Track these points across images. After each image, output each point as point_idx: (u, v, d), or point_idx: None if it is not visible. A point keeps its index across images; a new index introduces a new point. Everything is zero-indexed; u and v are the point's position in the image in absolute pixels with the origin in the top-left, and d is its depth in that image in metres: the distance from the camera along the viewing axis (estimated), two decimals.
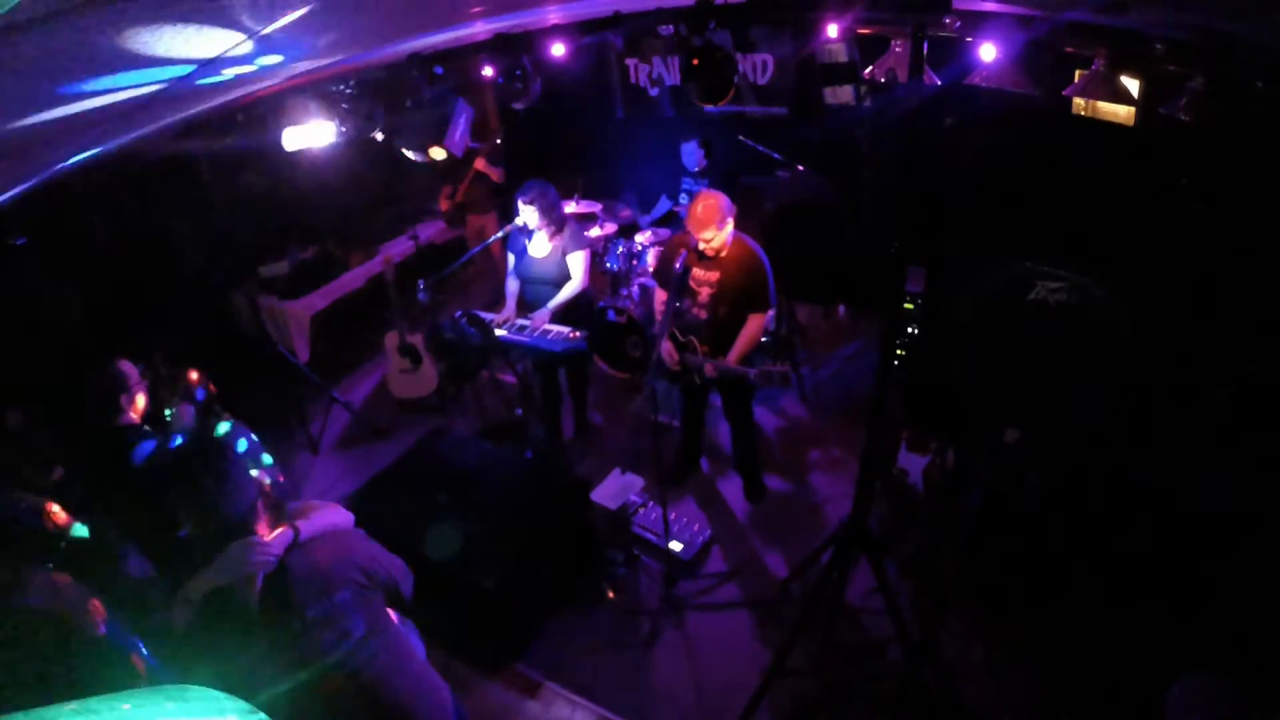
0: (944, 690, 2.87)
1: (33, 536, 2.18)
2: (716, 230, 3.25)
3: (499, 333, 3.89)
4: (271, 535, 1.67)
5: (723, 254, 3.35)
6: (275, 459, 3.03)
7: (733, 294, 3.37)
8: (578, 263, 3.89)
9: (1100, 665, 2.92)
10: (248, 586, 1.59)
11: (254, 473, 2.00)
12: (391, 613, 2.03)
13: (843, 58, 3.14)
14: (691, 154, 5.02)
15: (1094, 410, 2.04)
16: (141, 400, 2.73)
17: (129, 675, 2.06)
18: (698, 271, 3.42)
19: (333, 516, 1.91)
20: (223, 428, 2.91)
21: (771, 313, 4.82)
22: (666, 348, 3.47)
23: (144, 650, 2.15)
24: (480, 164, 5.41)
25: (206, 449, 1.69)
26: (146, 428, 2.72)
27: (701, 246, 3.31)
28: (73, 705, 0.68)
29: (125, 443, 2.60)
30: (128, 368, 2.72)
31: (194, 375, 2.89)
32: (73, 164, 2.72)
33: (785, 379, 3.21)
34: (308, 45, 2.31)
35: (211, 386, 2.94)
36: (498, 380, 4.56)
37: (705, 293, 3.43)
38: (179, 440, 2.64)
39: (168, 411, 2.81)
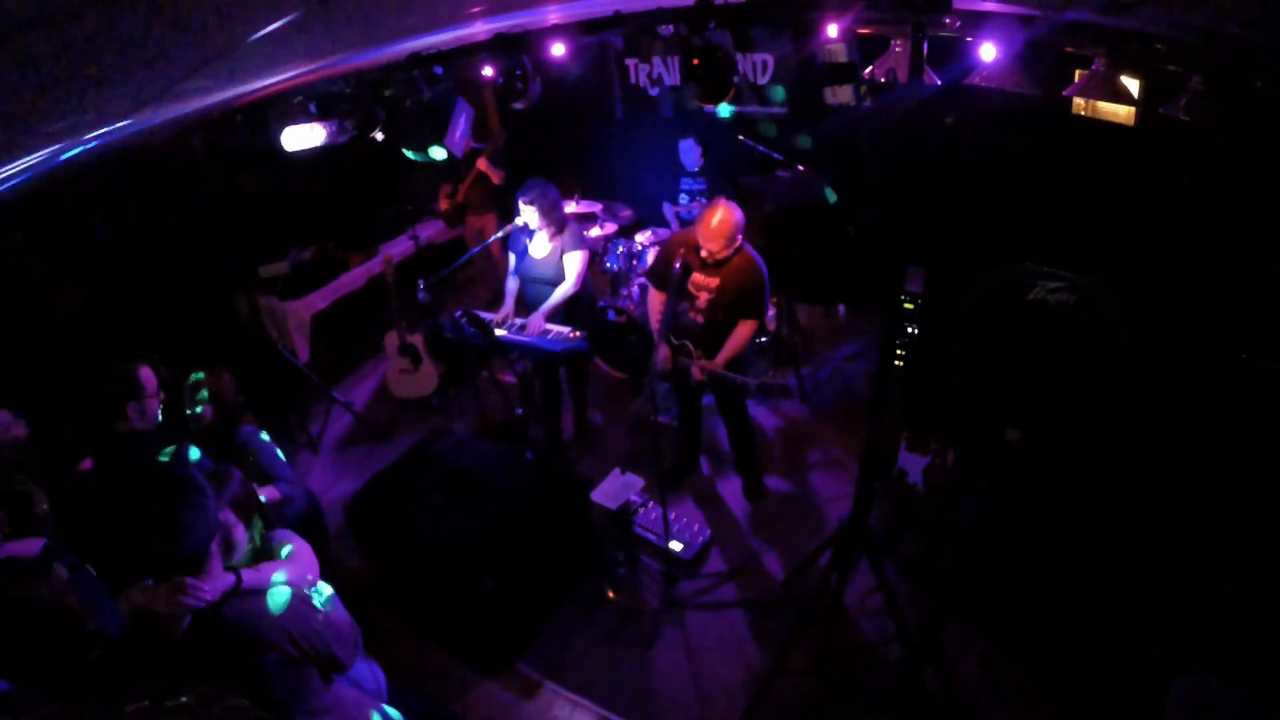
0: (944, 690, 2.87)
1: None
2: (726, 246, 3.25)
3: (499, 333, 3.89)
4: (210, 580, 1.63)
5: (725, 261, 3.35)
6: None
7: (730, 301, 3.38)
8: (573, 264, 3.89)
9: (1100, 665, 2.92)
10: (174, 623, 1.58)
11: (267, 485, 1.94)
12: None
13: (843, 58, 3.14)
14: (689, 151, 5.01)
15: (1094, 410, 2.04)
16: (150, 408, 2.69)
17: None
18: (698, 277, 3.42)
19: (290, 571, 1.86)
20: (244, 431, 2.87)
21: (771, 312, 4.81)
22: (663, 350, 3.47)
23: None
24: (482, 164, 5.40)
25: (174, 482, 1.62)
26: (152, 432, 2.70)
27: (705, 255, 3.31)
28: None
29: (124, 449, 2.59)
30: (147, 376, 2.67)
31: (227, 377, 2.84)
32: (72, 159, 2.72)
33: (786, 390, 3.21)
34: (307, 46, 2.31)
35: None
36: (498, 380, 4.55)
37: (704, 298, 3.43)
38: (169, 455, 2.60)
39: (198, 408, 2.77)
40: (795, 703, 2.92)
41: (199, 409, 2.73)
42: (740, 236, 3.30)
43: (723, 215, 3.22)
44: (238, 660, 1.63)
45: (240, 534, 1.88)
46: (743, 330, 3.41)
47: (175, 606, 1.58)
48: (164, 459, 2.47)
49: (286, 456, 2.96)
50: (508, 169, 5.50)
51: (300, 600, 1.75)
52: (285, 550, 1.96)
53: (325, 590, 1.89)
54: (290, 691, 1.69)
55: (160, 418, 2.73)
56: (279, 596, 1.73)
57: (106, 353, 2.73)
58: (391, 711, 2.00)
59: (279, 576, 1.82)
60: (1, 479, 2.41)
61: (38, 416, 2.72)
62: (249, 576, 1.72)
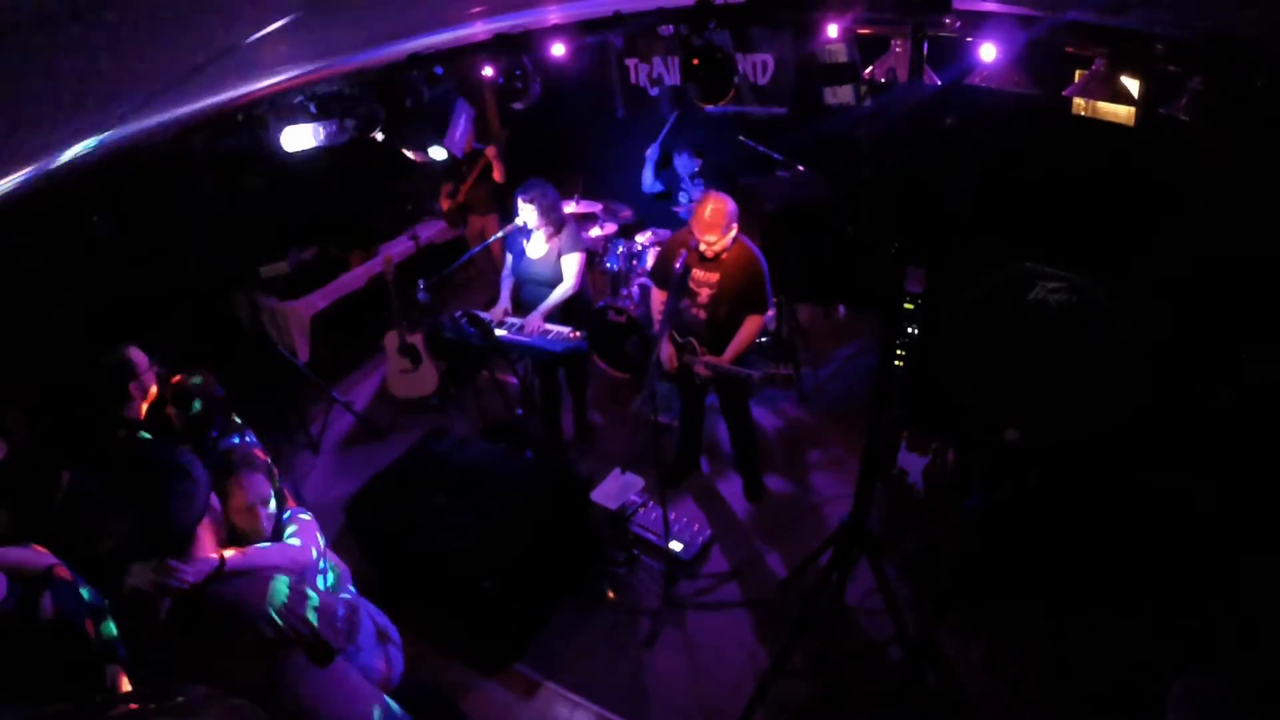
0: (944, 690, 2.87)
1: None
2: (721, 235, 3.26)
3: (499, 333, 3.89)
4: (194, 563, 1.65)
5: (723, 256, 3.36)
6: (274, 460, 2.99)
7: (732, 295, 3.38)
8: (571, 265, 3.90)
9: (1100, 665, 2.92)
10: (155, 604, 1.61)
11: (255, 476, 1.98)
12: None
13: (843, 58, 3.14)
14: (686, 165, 5.03)
15: (1094, 410, 2.04)
16: (153, 389, 2.70)
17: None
18: (698, 273, 3.43)
19: (276, 556, 1.86)
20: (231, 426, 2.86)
21: (771, 313, 4.82)
22: (666, 350, 3.47)
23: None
24: (491, 151, 5.38)
25: (161, 465, 1.66)
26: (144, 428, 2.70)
27: (703, 248, 3.32)
28: None
29: (134, 434, 2.59)
30: (137, 355, 2.69)
31: (209, 376, 2.82)
32: (71, 159, 2.72)
33: (789, 381, 3.20)
34: (307, 46, 2.31)
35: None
36: (498, 380, 4.55)
37: (705, 293, 3.43)
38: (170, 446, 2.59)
39: (194, 406, 2.74)
40: (795, 703, 2.92)
41: (195, 407, 2.70)
42: (735, 226, 3.31)
43: (714, 205, 3.24)
44: (220, 641, 1.64)
45: (272, 508, 1.98)
46: (750, 325, 3.41)
47: (155, 587, 1.60)
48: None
49: (287, 456, 2.95)
50: (508, 169, 5.50)
51: (285, 585, 1.75)
52: (289, 531, 1.99)
53: (330, 574, 1.90)
54: (272, 675, 1.67)
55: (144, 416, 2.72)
56: (280, 585, 1.73)
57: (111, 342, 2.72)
58: (393, 705, 1.98)
59: (274, 556, 1.83)
60: None
61: (24, 427, 2.70)
62: (234, 559, 1.74)
